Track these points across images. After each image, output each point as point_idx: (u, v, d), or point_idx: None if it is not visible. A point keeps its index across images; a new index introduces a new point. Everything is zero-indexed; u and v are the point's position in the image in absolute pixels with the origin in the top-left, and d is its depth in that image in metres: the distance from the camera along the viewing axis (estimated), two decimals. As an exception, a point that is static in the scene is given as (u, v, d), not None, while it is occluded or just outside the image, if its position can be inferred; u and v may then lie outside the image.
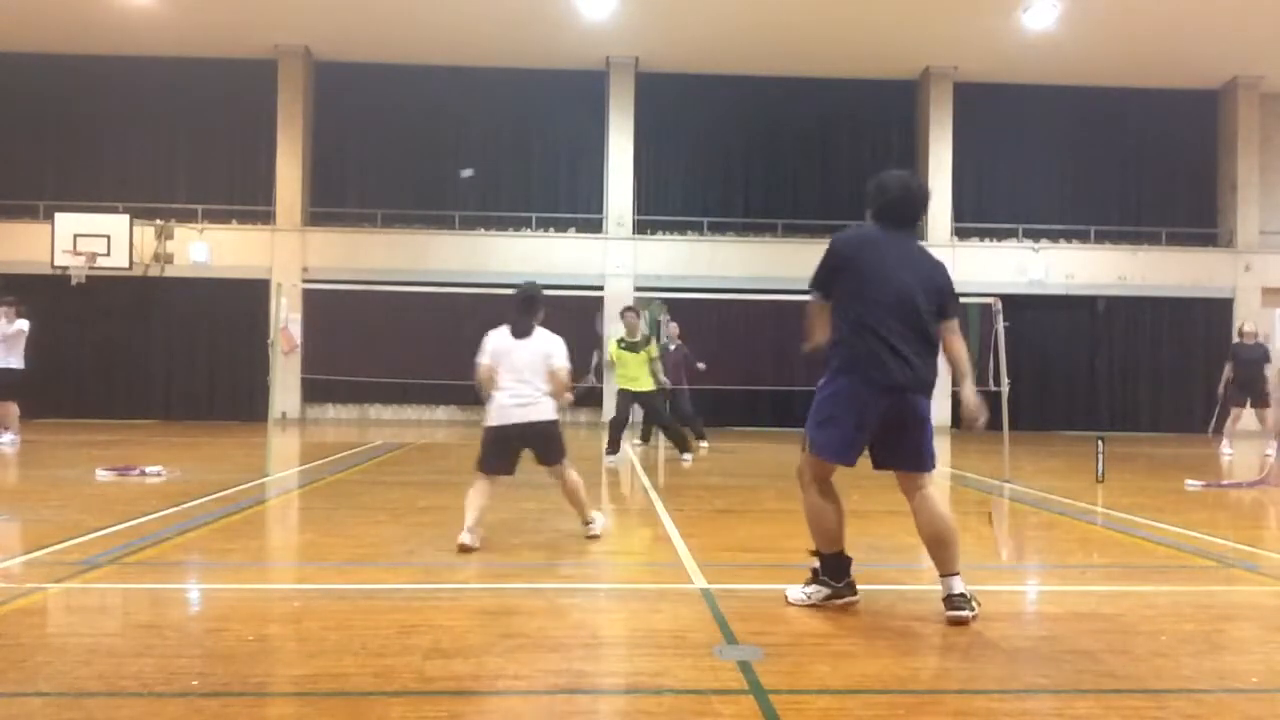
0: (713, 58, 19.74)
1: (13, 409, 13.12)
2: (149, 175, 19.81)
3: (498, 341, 6.26)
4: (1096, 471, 10.11)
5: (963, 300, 17.29)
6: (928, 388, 4.47)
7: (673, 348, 14.45)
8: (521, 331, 6.24)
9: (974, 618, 4.32)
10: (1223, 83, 20.71)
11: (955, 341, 4.53)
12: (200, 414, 19.06)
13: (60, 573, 5.21)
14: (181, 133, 20.06)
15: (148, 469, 9.66)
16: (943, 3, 17.30)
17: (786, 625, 4.32)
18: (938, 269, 4.55)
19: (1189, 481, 10.20)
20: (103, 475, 9.39)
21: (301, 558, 6.08)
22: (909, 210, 4.58)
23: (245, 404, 19.11)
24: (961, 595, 4.34)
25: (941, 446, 15.91)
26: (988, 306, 11.69)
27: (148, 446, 13.02)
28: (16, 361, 12.98)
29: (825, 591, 4.60)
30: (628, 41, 19.18)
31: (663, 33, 18.75)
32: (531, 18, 18.02)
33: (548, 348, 6.22)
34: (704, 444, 13.64)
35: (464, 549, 5.83)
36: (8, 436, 12.98)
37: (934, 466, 4.56)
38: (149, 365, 19.44)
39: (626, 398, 12.32)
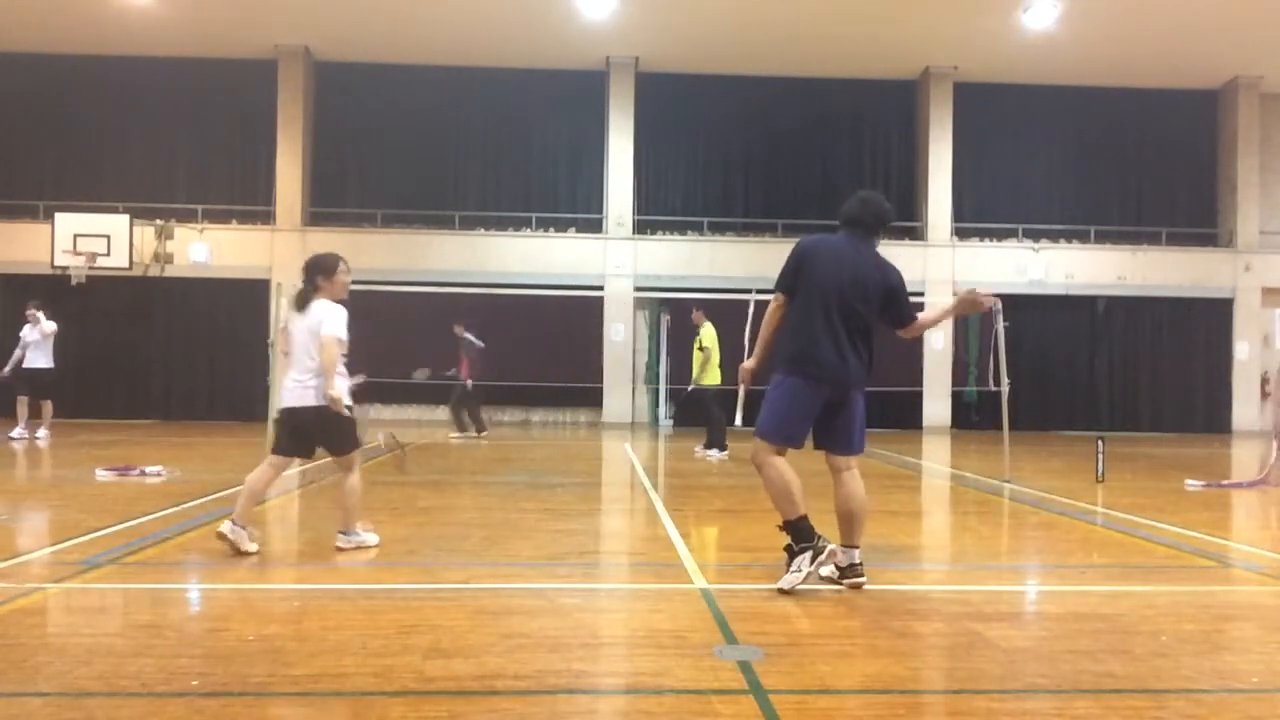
0: (713, 58, 19.75)
1: (48, 407, 13.80)
2: (149, 175, 19.81)
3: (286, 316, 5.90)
4: (1096, 471, 10.11)
5: (963, 300, 16.82)
6: (863, 384, 5.06)
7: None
8: (300, 304, 5.89)
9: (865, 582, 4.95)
10: (1223, 83, 20.71)
11: (915, 325, 5.34)
12: (200, 414, 19.05)
13: (60, 573, 5.21)
14: (181, 133, 20.06)
15: (148, 469, 9.66)
16: (943, 3, 17.30)
17: (786, 625, 4.32)
18: (890, 271, 5.11)
19: (1189, 481, 10.20)
20: (103, 475, 9.39)
21: (301, 558, 6.07)
22: (865, 217, 5.09)
23: (245, 404, 19.09)
24: (860, 565, 4.99)
25: (941, 446, 15.92)
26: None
27: (148, 446, 13.02)
28: (46, 361, 13.71)
29: (809, 555, 4.83)
30: (628, 41, 19.18)
31: (663, 33, 18.75)
32: (531, 18, 18.02)
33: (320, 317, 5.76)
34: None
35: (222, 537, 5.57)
36: (41, 432, 13.66)
37: (862, 450, 5.13)
38: (149, 365, 19.44)
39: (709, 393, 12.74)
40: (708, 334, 12.80)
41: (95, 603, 4.76)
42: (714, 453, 12.58)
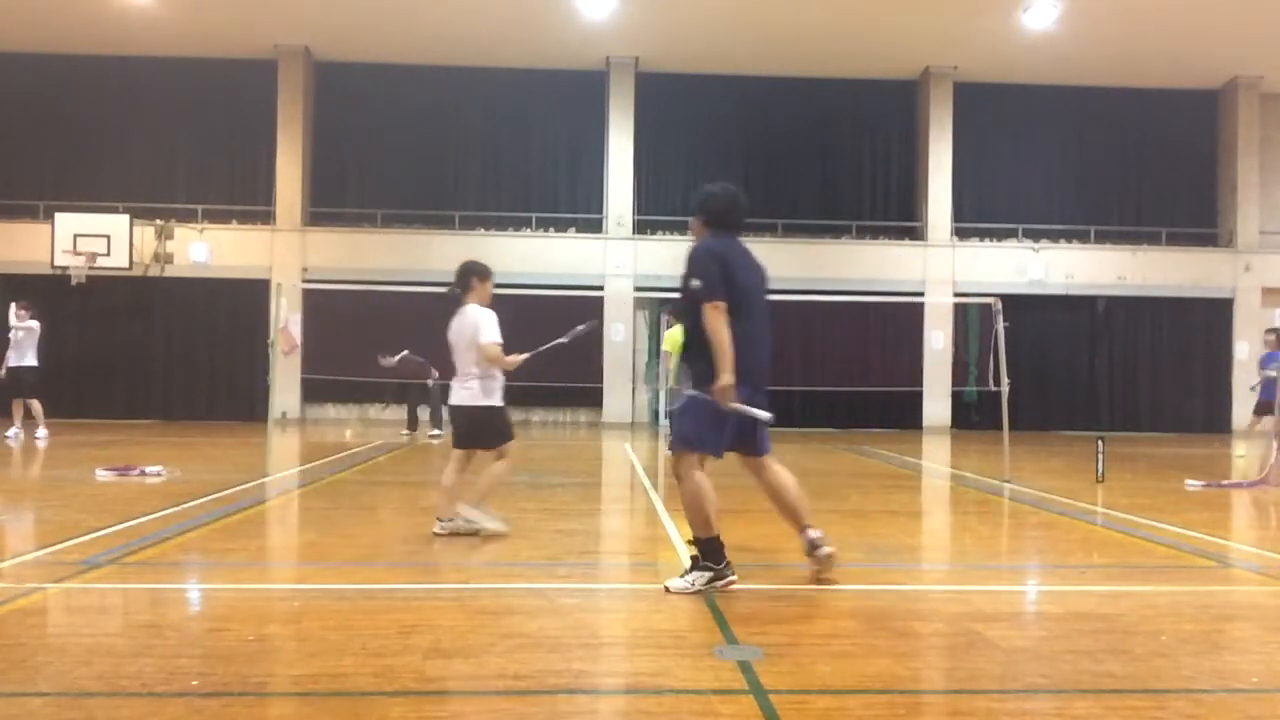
0: (713, 58, 19.74)
1: (37, 405, 13.75)
2: (149, 175, 19.80)
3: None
4: (1096, 471, 10.10)
5: (963, 300, 17.32)
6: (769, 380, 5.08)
7: None
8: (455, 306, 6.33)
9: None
10: (1223, 83, 20.71)
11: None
12: (200, 414, 19.05)
13: (60, 573, 5.21)
14: (181, 133, 20.06)
15: (148, 469, 9.65)
16: (943, 3, 17.30)
17: (786, 625, 4.32)
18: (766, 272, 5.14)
19: (1189, 481, 10.20)
20: (103, 475, 9.39)
21: (301, 558, 6.08)
22: (740, 217, 5.11)
23: (245, 404, 19.10)
24: (821, 537, 5.05)
25: (941, 446, 15.92)
26: (988, 306, 11.69)
27: (148, 446, 13.02)
28: (29, 359, 13.64)
29: (708, 575, 4.82)
30: (628, 41, 19.18)
31: (663, 33, 18.75)
32: (531, 18, 18.02)
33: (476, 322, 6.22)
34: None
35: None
36: (41, 432, 13.64)
37: (768, 450, 5.14)
38: (149, 365, 19.43)
39: None
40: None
41: (95, 603, 4.76)
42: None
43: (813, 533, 5.06)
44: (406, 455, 12.70)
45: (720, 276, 4.78)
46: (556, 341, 6.70)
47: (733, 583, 4.83)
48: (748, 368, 4.77)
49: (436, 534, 6.28)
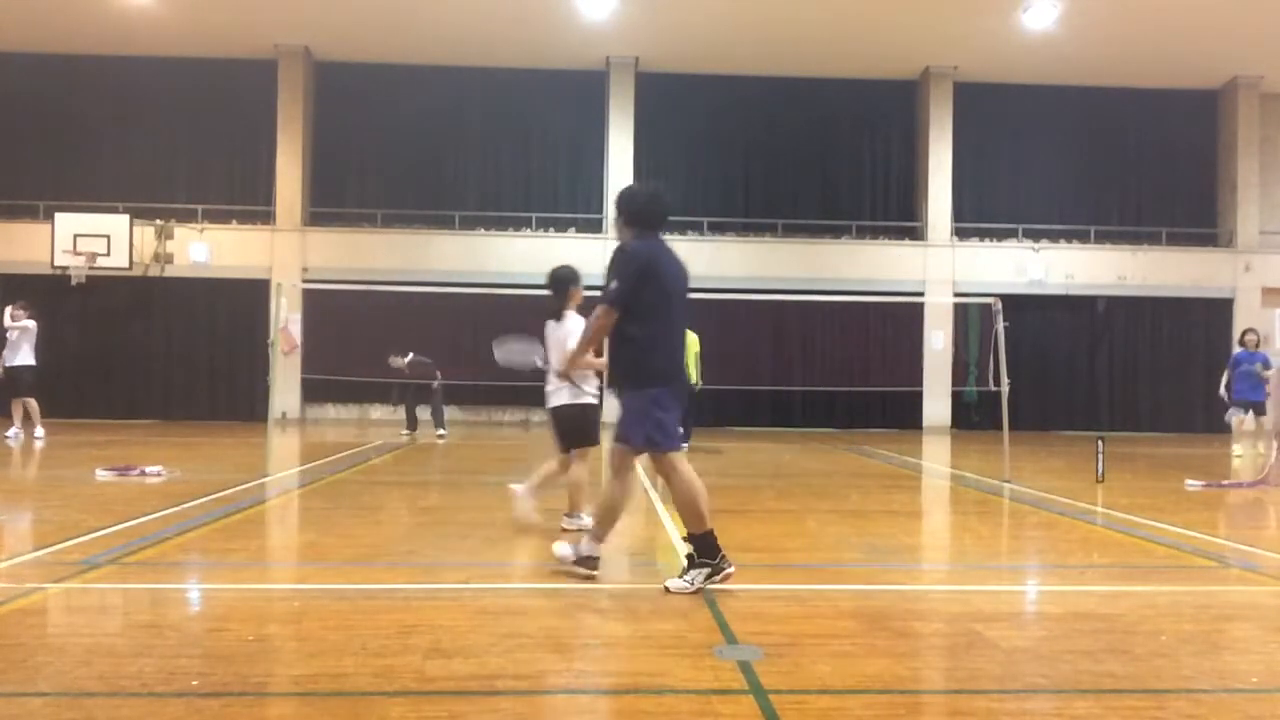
0: (713, 58, 19.74)
1: (34, 405, 13.75)
2: (149, 175, 19.79)
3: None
4: (1096, 471, 10.10)
5: (963, 300, 17.31)
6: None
7: None
8: (556, 313, 6.61)
9: None
10: (1223, 83, 20.71)
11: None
12: (200, 414, 19.04)
13: (60, 573, 5.21)
14: (181, 133, 20.05)
15: (148, 469, 9.65)
16: (943, 3, 17.29)
17: (786, 625, 4.32)
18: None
19: (1189, 481, 10.20)
20: (103, 475, 9.39)
21: (301, 558, 6.08)
22: (661, 215, 5.12)
23: (245, 404, 19.10)
24: (596, 556, 5.07)
25: (941, 446, 15.92)
26: (988, 306, 11.69)
27: (148, 446, 13.02)
28: (25, 358, 13.64)
29: (705, 571, 4.83)
30: (628, 41, 19.18)
31: (663, 33, 18.74)
32: (531, 18, 18.01)
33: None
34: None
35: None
36: (39, 431, 13.61)
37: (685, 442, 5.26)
38: (149, 365, 19.42)
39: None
40: None
41: (95, 603, 4.76)
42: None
43: (589, 545, 5.06)
44: (406, 455, 12.70)
45: (635, 281, 4.78)
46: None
47: (730, 575, 4.82)
48: (667, 367, 4.88)
49: (564, 529, 6.47)
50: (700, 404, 20.37)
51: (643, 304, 4.77)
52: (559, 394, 6.48)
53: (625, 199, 5.13)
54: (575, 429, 6.54)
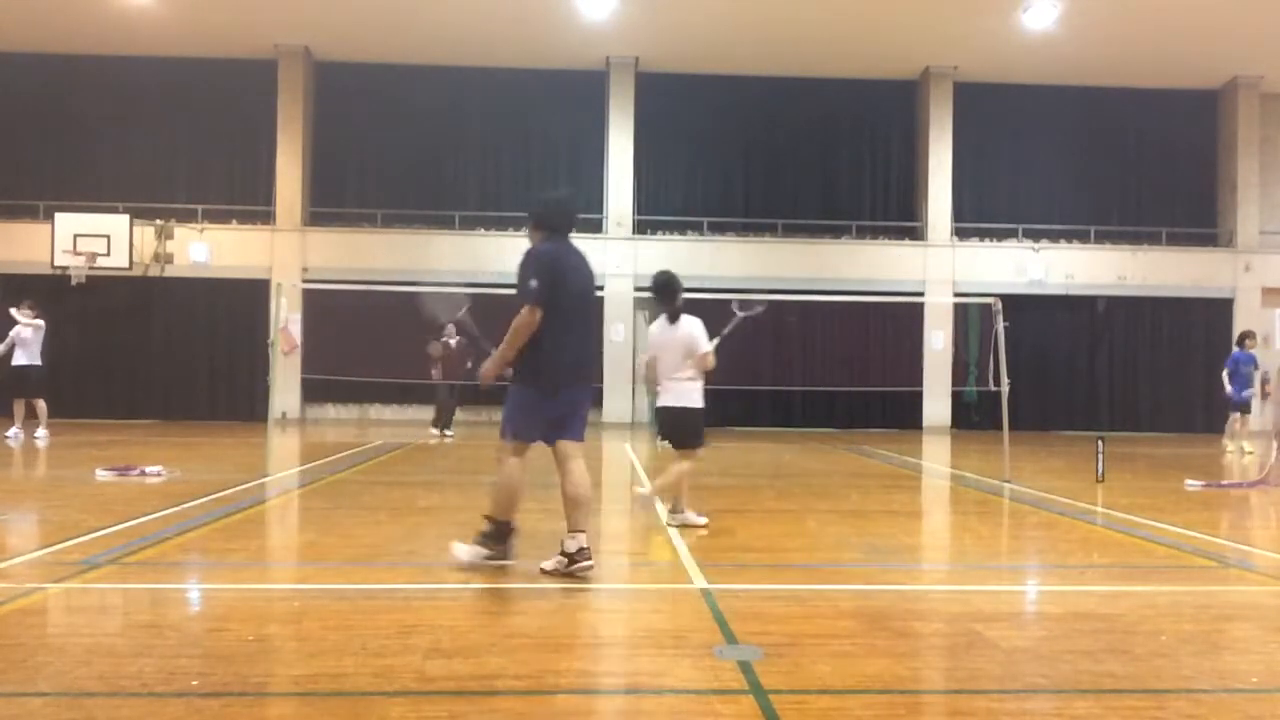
0: (713, 58, 19.74)
1: (42, 405, 13.81)
2: (149, 175, 19.79)
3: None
4: (1096, 471, 10.10)
5: (963, 300, 17.29)
6: (594, 375, 5.50)
7: None
8: (673, 317, 6.88)
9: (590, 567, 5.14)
10: (1223, 83, 20.71)
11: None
12: (200, 414, 19.04)
13: (60, 573, 5.21)
14: (181, 133, 20.05)
15: (148, 469, 9.65)
16: (943, 3, 17.29)
17: (786, 625, 4.32)
18: (593, 273, 5.48)
19: (1189, 481, 10.20)
20: (103, 475, 9.39)
21: (301, 558, 6.08)
22: (569, 220, 5.45)
23: (245, 404, 19.10)
24: (584, 550, 5.13)
25: (941, 446, 15.92)
26: (988, 306, 11.68)
27: (148, 446, 13.02)
28: (33, 358, 13.72)
29: (485, 553, 5.23)
30: (628, 41, 19.18)
31: (663, 33, 18.74)
32: (531, 18, 18.01)
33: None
34: None
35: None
36: (40, 431, 13.65)
37: (581, 439, 5.33)
38: (149, 365, 19.41)
39: None
40: None
41: (95, 603, 4.76)
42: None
43: (581, 540, 5.14)
44: (406, 455, 12.70)
45: (548, 280, 5.04)
46: (728, 330, 7.22)
47: (506, 565, 5.22)
48: (566, 366, 5.14)
49: (669, 525, 6.83)
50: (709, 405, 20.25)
51: (548, 297, 5.04)
52: (687, 396, 6.81)
53: (537, 206, 5.49)
54: (692, 429, 6.92)
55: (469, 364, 14.76)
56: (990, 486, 10.01)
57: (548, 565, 5.20)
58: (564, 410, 5.21)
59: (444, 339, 15.25)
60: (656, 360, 6.93)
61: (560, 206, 5.51)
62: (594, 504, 5.56)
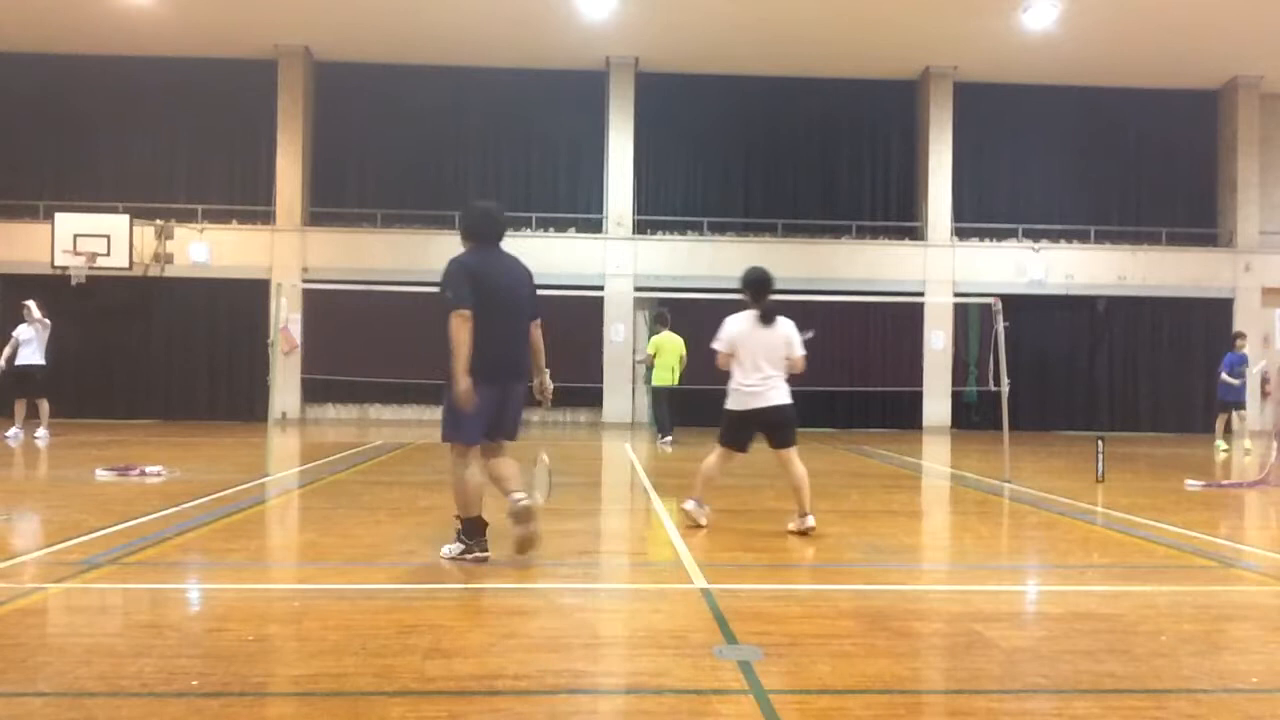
0: (713, 58, 19.74)
1: (44, 405, 13.88)
2: (149, 175, 19.80)
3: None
4: (1096, 471, 10.11)
5: (963, 300, 17.26)
6: (526, 375, 5.72)
7: None
8: (768, 318, 6.69)
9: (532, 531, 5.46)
10: (1223, 83, 20.71)
11: (537, 336, 5.78)
12: (200, 414, 19.05)
13: (60, 573, 5.21)
14: (181, 133, 20.06)
15: (148, 469, 9.66)
16: (943, 3, 17.29)
17: (786, 625, 4.32)
18: (529, 275, 5.72)
19: (1189, 481, 10.20)
20: (103, 475, 9.39)
21: (301, 558, 6.08)
22: (490, 229, 5.63)
23: (245, 404, 19.11)
24: (523, 497, 5.50)
25: (941, 446, 15.92)
26: (988, 306, 11.68)
27: (148, 446, 13.02)
28: (38, 358, 13.79)
29: (460, 548, 5.52)
30: (628, 41, 19.18)
31: (663, 33, 18.74)
32: (531, 18, 18.01)
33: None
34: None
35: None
36: (41, 431, 13.70)
37: (513, 438, 5.74)
38: (149, 365, 19.42)
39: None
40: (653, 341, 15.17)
41: (95, 603, 4.76)
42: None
43: (515, 496, 5.52)
44: (406, 455, 12.70)
45: (467, 284, 5.30)
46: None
47: (482, 559, 5.48)
48: (488, 364, 5.31)
49: (791, 530, 6.70)
50: (701, 403, 20.37)
51: (472, 302, 5.29)
52: (777, 393, 6.67)
53: (460, 216, 5.83)
54: (795, 427, 6.79)
55: None
56: (990, 486, 10.01)
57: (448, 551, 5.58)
58: (496, 403, 5.46)
59: None
60: (738, 359, 6.68)
61: (484, 217, 5.67)
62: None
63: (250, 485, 9.00)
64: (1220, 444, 14.64)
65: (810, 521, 6.57)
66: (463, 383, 5.20)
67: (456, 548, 5.56)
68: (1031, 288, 20.00)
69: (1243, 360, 14.90)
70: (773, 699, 3.32)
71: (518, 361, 5.63)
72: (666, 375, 14.98)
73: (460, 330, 5.24)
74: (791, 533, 6.58)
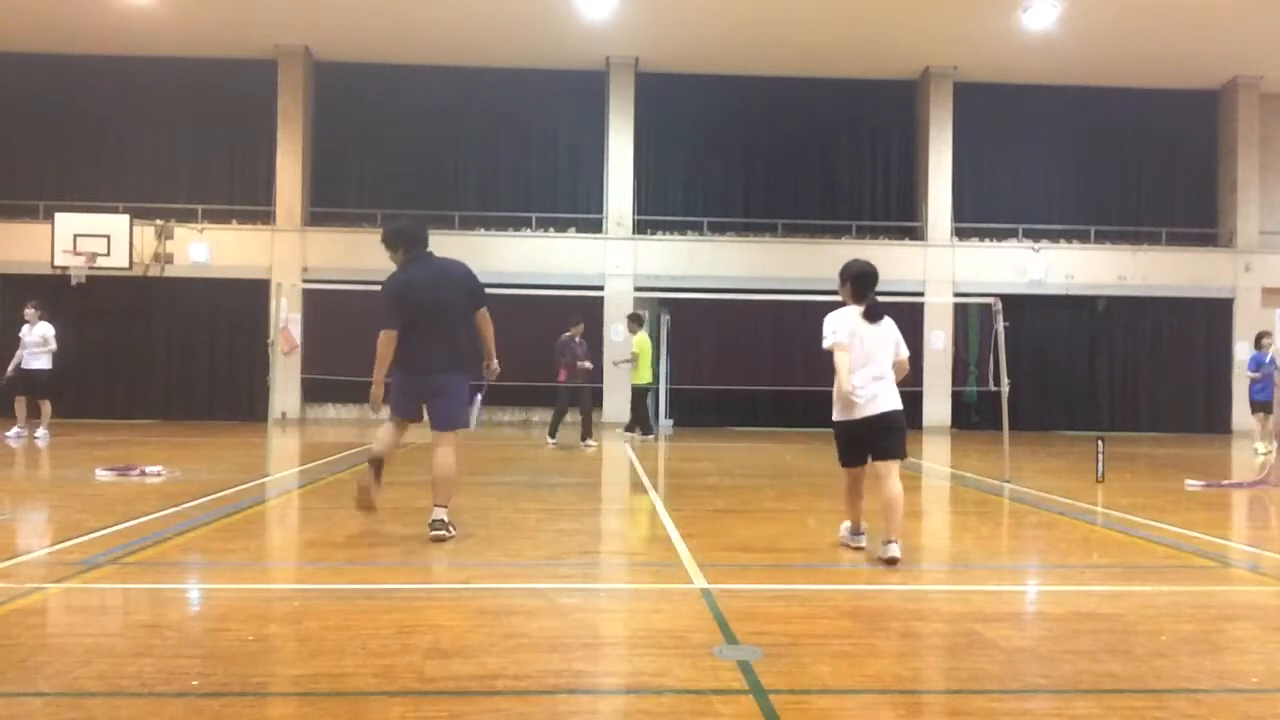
0: (713, 58, 19.74)
1: (46, 406, 13.91)
2: (149, 175, 19.79)
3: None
4: (1096, 471, 10.11)
5: (963, 300, 17.28)
6: (459, 365, 6.29)
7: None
8: (874, 315, 6.02)
9: (450, 536, 6.17)
10: (1223, 83, 20.70)
11: (484, 324, 6.47)
12: (200, 414, 19.04)
13: (60, 573, 5.21)
14: (181, 133, 20.05)
15: (148, 469, 9.66)
16: (943, 3, 17.29)
17: (786, 625, 4.32)
18: (462, 273, 6.36)
19: (1189, 481, 10.20)
20: (103, 475, 9.40)
21: (301, 558, 6.08)
22: (411, 241, 6.36)
23: (245, 404, 19.10)
24: (441, 521, 6.21)
25: (941, 446, 15.92)
26: (988, 306, 11.68)
27: (148, 446, 13.02)
28: (43, 362, 13.84)
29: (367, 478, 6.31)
30: (628, 41, 19.17)
31: (663, 33, 18.74)
32: (531, 18, 18.01)
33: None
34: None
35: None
36: (41, 432, 13.72)
37: (450, 429, 6.32)
38: (149, 365, 19.42)
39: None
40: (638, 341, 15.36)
41: (95, 603, 4.76)
42: (636, 434, 15.42)
43: (440, 513, 6.21)
44: (406, 455, 12.69)
45: (393, 307, 6.17)
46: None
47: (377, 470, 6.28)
48: (417, 363, 6.18)
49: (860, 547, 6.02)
50: (701, 403, 20.49)
51: (399, 318, 6.15)
52: (888, 397, 5.88)
53: (395, 231, 6.45)
54: (901, 437, 5.94)
55: (584, 364, 14.14)
56: (990, 486, 10.02)
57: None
58: (424, 392, 6.26)
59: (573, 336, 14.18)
60: (848, 360, 5.92)
61: (396, 232, 6.43)
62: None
63: (250, 485, 9.01)
64: (1259, 446, 14.38)
65: (895, 550, 5.58)
66: (378, 390, 6.22)
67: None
68: (1031, 288, 20.00)
69: (1268, 361, 14.56)
70: (772, 699, 3.32)
71: (446, 358, 6.20)
72: (648, 374, 15.49)
73: (383, 346, 6.16)
74: (882, 560, 5.61)
